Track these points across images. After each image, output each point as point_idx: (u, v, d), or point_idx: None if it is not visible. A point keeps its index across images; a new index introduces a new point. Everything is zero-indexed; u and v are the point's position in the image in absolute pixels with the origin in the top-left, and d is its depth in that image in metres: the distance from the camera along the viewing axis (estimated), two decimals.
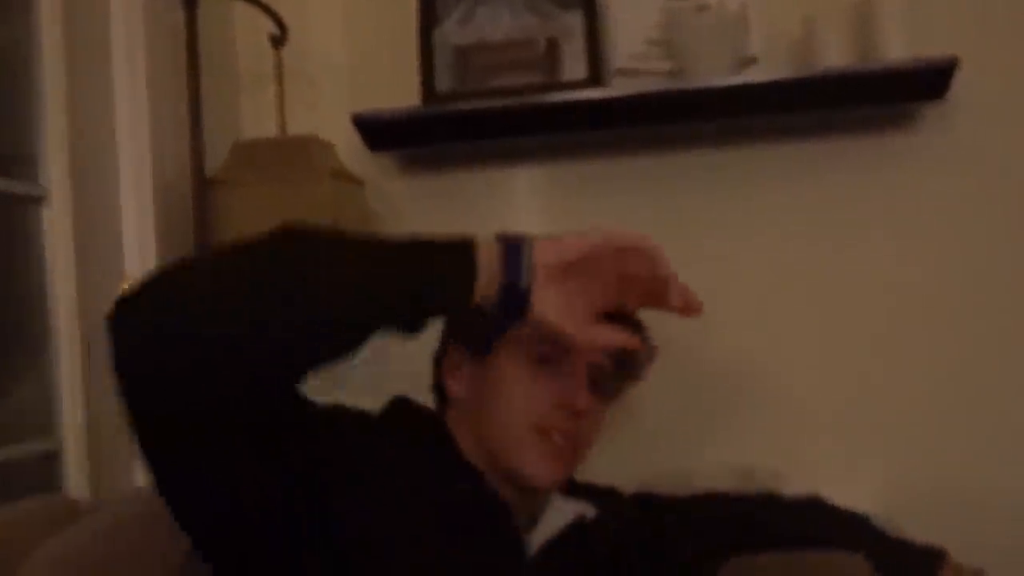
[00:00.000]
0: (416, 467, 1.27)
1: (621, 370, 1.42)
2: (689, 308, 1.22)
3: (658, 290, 1.20)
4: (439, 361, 1.45)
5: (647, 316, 1.41)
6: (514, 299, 1.07)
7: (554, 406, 1.32)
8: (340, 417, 1.24)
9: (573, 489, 1.47)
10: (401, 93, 2.11)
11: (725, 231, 2.11)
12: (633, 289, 1.20)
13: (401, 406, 1.41)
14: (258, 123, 2.16)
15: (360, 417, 1.31)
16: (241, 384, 0.94)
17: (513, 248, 1.07)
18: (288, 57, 2.07)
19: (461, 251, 1.05)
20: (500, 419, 1.32)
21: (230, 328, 0.92)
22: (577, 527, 1.40)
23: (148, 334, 0.91)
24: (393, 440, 1.29)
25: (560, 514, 1.40)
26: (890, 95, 2.00)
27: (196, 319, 0.91)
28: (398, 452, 1.27)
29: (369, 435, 1.27)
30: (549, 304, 1.10)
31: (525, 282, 1.07)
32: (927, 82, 1.94)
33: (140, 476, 1.87)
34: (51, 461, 1.76)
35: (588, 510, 1.44)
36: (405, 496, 1.23)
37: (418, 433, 1.34)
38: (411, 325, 1.04)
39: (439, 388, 1.45)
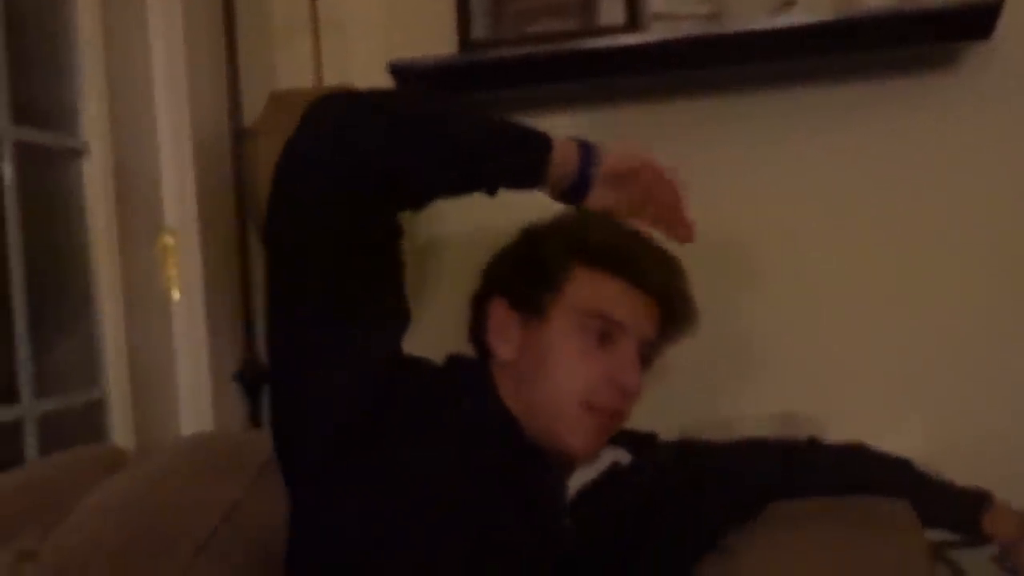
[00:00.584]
0: (462, 419, 1.28)
1: (664, 337, 1.41)
2: (686, 236, 1.42)
3: (667, 216, 1.40)
4: (479, 310, 1.43)
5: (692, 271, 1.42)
6: (580, 185, 1.30)
7: (604, 383, 1.30)
8: (413, 364, 1.31)
9: (610, 437, 1.47)
10: (437, 41, 2.10)
11: (764, 175, 2.09)
12: (650, 208, 1.39)
13: (455, 361, 1.41)
14: (294, 73, 2.15)
15: (423, 370, 1.33)
16: (377, 181, 1.16)
17: (587, 146, 1.31)
18: (323, 6, 2.06)
19: (543, 139, 1.27)
20: (549, 389, 1.31)
21: (382, 143, 1.16)
22: (611, 474, 1.40)
23: (331, 137, 1.15)
24: (445, 392, 1.30)
25: (595, 461, 1.40)
26: (933, 35, 1.95)
27: (360, 136, 1.15)
28: (447, 403, 1.29)
29: (426, 385, 1.29)
30: (601, 200, 1.32)
31: (592, 173, 1.30)
32: (971, 22, 1.90)
33: (183, 425, 1.90)
34: (96, 411, 1.79)
35: (623, 457, 1.44)
36: (449, 445, 1.24)
37: (467, 386, 1.34)
38: (494, 181, 1.26)
39: (480, 340, 1.43)
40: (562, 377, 1.30)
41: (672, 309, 1.39)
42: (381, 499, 1.19)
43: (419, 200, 1.25)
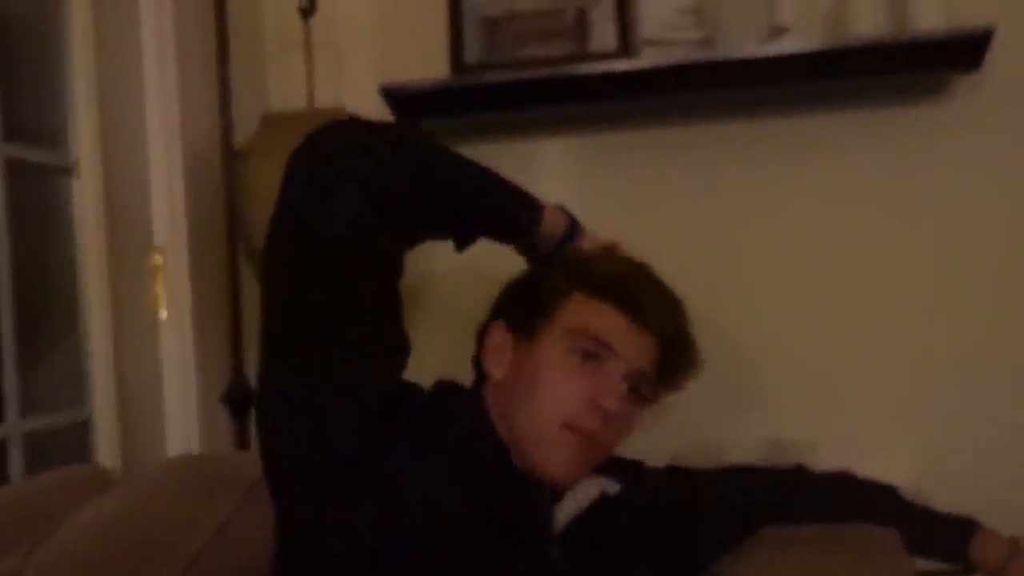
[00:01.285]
0: (453, 444, 1.27)
1: (663, 378, 1.39)
2: None
3: None
4: (482, 336, 1.42)
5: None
6: (556, 253, 1.38)
7: (586, 404, 1.28)
8: (407, 390, 1.30)
9: (597, 466, 1.46)
10: (429, 64, 2.11)
11: (755, 201, 2.09)
12: None
13: (445, 387, 1.39)
14: (286, 94, 2.15)
15: (417, 393, 1.32)
16: (375, 208, 1.15)
17: (574, 219, 1.40)
18: (316, 27, 2.06)
19: (534, 198, 1.35)
20: (531, 409, 1.29)
21: (379, 173, 1.16)
22: (600, 503, 1.39)
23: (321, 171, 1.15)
24: (437, 417, 1.29)
25: (583, 491, 1.38)
26: (924, 65, 1.96)
27: (359, 163, 1.16)
28: (440, 428, 1.27)
29: (420, 411, 1.28)
30: None
31: (571, 245, 1.38)
32: (961, 52, 1.91)
33: (169, 446, 1.89)
34: (82, 431, 1.78)
35: (611, 486, 1.42)
36: (440, 470, 1.23)
37: (459, 411, 1.33)
38: (484, 223, 1.31)
39: (478, 363, 1.42)
40: (546, 397, 1.28)
41: (671, 351, 1.37)
42: (371, 523, 1.18)
43: (409, 233, 1.24)
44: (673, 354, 1.37)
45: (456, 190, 1.25)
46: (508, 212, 1.32)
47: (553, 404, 1.28)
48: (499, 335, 1.37)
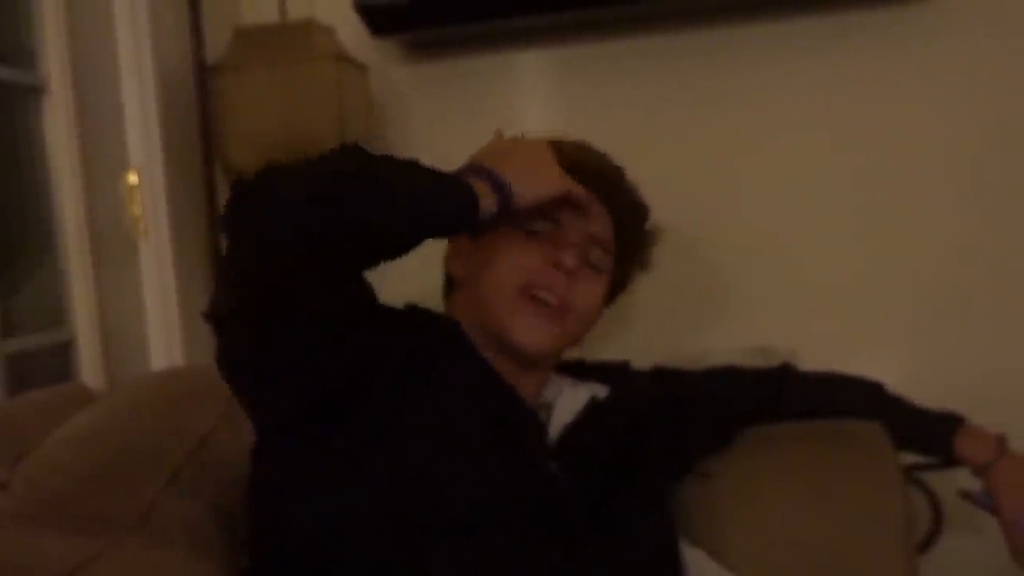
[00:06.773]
0: (438, 368, 1.27)
1: (620, 249, 1.41)
2: None
3: None
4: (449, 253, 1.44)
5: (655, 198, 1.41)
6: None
7: (542, 263, 1.30)
8: (386, 314, 1.29)
9: (583, 372, 1.46)
10: None
11: (736, 110, 2.07)
12: None
13: (416, 312, 1.38)
14: (257, 8, 2.11)
15: (390, 320, 1.31)
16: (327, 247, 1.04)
17: (498, 185, 1.18)
18: None
19: (466, 186, 1.16)
20: (490, 283, 1.31)
21: (323, 213, 1.03)
22: (591, 409, 1.39)
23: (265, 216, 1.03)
24: (416, 342, 1.29)
25: (573, 399, 1.38)
26: None
27: (303, 205, 1.03)
28: (421, 352, 1.27)
29: (400, 335, 1.28)
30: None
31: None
32: None
33: (153, 365, 1.88)
34: (65, 352, 1.77)
35: (600, 391, 1.42)
36: (432, 397, 1.23)
37: (436, 336, 1.33)
38: (437, 222, 1.15)
39: (447, 276, 1.43)
40: (501, 268, 1.31)
41: (625, 224, 1.41)
42: (357, 457, 1.17)
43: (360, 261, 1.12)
44: (628, 224, 1.42)
45: (408, 196, 1.10)
46: (459, 199, 1.15)
47: (509, 271, 1.31)
48: (458, 242, 1.40)
